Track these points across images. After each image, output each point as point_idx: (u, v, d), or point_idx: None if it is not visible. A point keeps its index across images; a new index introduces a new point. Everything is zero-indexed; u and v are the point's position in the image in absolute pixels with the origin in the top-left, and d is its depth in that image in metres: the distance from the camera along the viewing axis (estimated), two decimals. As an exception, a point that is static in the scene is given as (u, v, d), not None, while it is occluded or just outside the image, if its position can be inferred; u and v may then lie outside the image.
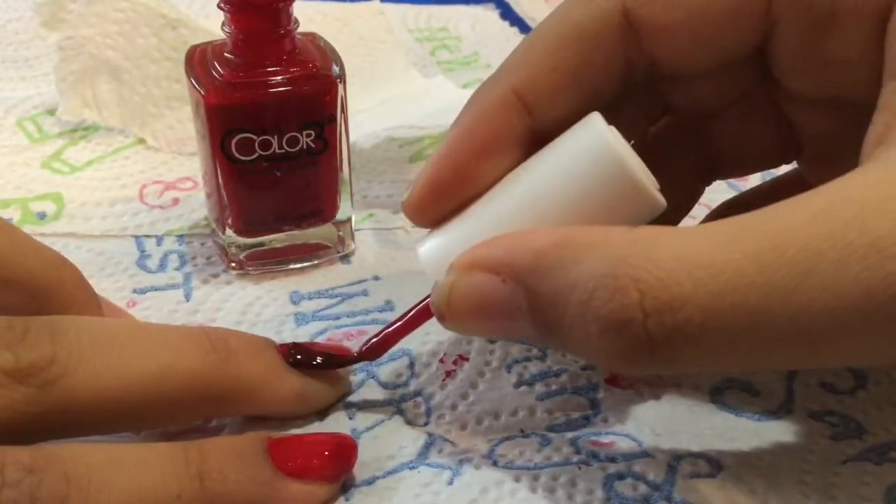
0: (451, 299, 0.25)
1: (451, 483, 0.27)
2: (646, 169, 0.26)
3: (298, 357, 0.29)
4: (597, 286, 0.21)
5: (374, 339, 0.29)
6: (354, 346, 0.32)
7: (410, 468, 0.28)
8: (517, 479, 0.27)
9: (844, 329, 0.21)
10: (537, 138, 0.27)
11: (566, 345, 0.23)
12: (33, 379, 0.23)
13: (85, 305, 0.29)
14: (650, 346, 0.21)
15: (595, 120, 0.26)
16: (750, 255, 0.21)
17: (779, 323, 0.21)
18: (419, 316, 0.29)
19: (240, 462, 0.24)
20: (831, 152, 0.30)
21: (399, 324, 0.29)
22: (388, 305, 0.34)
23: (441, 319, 0.26)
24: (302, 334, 0.33)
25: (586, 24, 0.27)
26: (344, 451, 0.26)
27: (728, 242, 0.21)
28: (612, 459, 0.28)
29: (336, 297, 0.35)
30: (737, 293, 0.21)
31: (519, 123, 0.27)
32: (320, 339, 0.33)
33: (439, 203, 0.28)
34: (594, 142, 0.25)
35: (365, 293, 0.35)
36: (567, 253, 0.23)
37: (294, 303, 0.35)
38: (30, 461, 0.22)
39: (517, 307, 0.23)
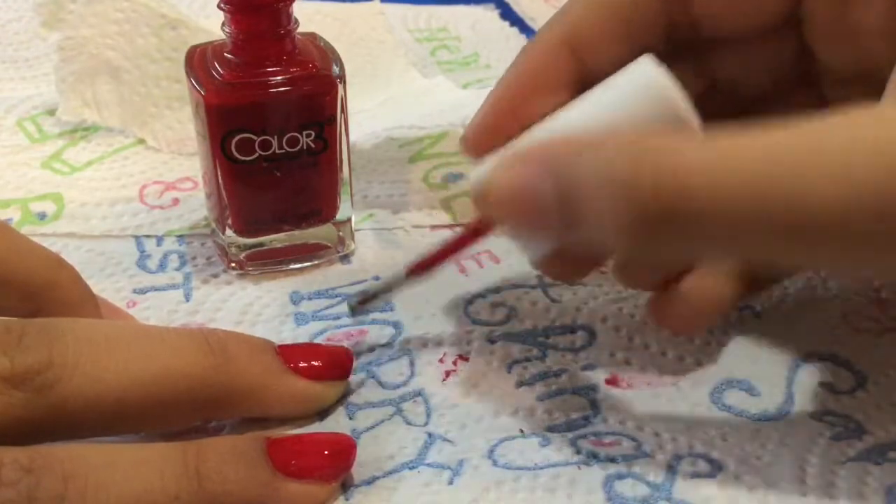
0: (488, 184, 0.26)
1: (451, 483, 0.27)
2: (692, 108, 0.26)
3: (353, 306, 0.31)
4: (615, 157, 0.23)
5: (422, 259, 0.30)
6: (355, 347, 0.32)
7: (410, 468, 0.28)
8: (517, 479, 0.27)
9: (844, 216, 0.22)
10: (586, 85, 0.28)
11: (584, 224, 0.24)
12: (30, 383, 0.23)
13: (83, 306, 0.29)
14: (659, 208, 0.22)
15: (647, 58, 0.26)
16: (757, 139, 0.22)
17: (779, 198, 0.22)
18: (466, 237, 0.29)
19: (239, 462, 0.24)
20: None
21: (445, 245, 0.30)
22: (388, 305, 0.34)
23: (478, 203, 0.27)
24: (302, 334, 0.33)
25: None
26: (343, 450, 0.26)
27: (738, 134, 0.23)
28: (612, 460, 0.28)
29: (336, 297, 0.35)
30: (743, 165, 0.22)
31: (570, 68, 0.29)
32: (320, 339, 0.33)
33: (492, 138, 0.29)
34: (646, 75, 0.26)
35: (365, 293, 0.35)
36: (594, 142, 0.24)
37: (294, 303, 0.35)
38: (27, 461, 0.22)
39: (546, 192, 0.24)
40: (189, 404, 0.26)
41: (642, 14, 0.29)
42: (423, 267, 0.30)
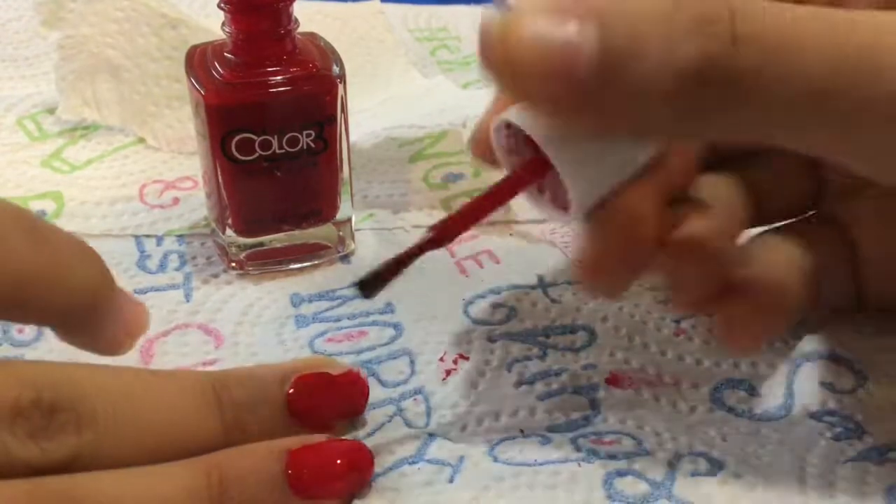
0: (507, 34, 0.22)
1: (451, 481, 0.27)
2: None
3: (373, 290, 0.26)
4: None
5: (442, 223, 0.26)
6: (355, 347, 0.32)
7: (410, 463, 0.28)
8: (517, 476, 0.27)
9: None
10: None
11: (636, 75, 0.22)
12: (56, 471, 0.23)
13: (109, 309, 0.27)
14: (734, 50, 0.21)
15: None
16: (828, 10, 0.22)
17: (853, 51, 0.22)
18: (491, 199, 0.26)
19: (260, 489, 0.25)
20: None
21: (468, 206, 0.26)
22: (389, 308, 0.34)
23: (487, 55, 0.23)
24: (303, 336, 0.33)
25: None
26: (361, 464, 0.26)
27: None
28: (613, 457, 0.28)
29: (336, 299, 0.35)
30: (815, 21, 0.22)
31: None
32: (320, 340, 0.33)
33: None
34: None
35: (365, 295, 0.35)
36: None
37: (294, 305, 0.35)
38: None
39: (585, 41, 0.22)
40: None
41: None
42: (447, 233, 0.26)
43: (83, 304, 0.26)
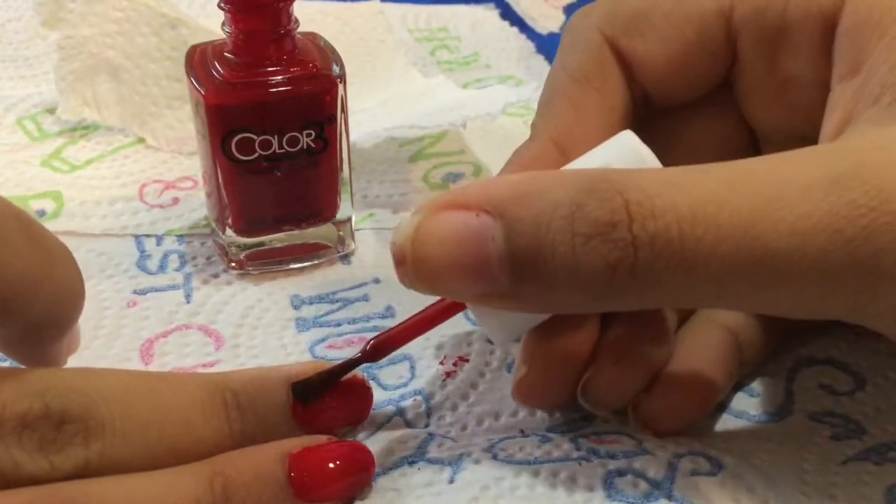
0: (416, 237, 0.24)
1: (451, 482, 0.27)
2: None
3: (307, 397, 0.27)
4: (583, 198, 0.22)
5: (377, 339, 0.28)
6: (354, 351, 0.32)
7: (410, 463, 0.28)
8: (517, 475, 0.27)
9: (809, 255, 0.22)
10: None
11: (544, 274, 0.23)
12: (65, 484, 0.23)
13: (71, 329, 0.28)
14: (634, 253, 0.22)
15: (625, 131, 0.27)
16: (722, 179, 0.23)
17: (748, 240, 0.22)
18: (428, 319, 0.28)
19: (262, 493, 0.25)
20: None
21: (405, 325, 0.28)
22: (389, 311, 0.34)
23: (400, 264, 0.24)
24: (303, 340, 0.33)
25: (584, 64, 0.29)
26: (362, 465, 0.26)
27: (699, 171, 0.23)
28: (613, 456, 0.28)
29: (337, 301, 0.35)
30: (710, 206, 0.22)
31: (560, 163, 0.28)
32: (321, 346, 0.33)
33: None
34: (622, 140, 0.26)
35: (365, 298, 0.35)
36: (546, 180, 0.23)
37: (295, 307, 0.35)
38: None
39: (490, 240, 0.23)
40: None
41: (615, 102, 0.30)
42: (381, 349, 0.28)
43: (68, 306, 0.26)
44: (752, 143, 0.31)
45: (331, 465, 0.26)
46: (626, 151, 0.26)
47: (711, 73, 0.30)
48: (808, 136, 0.27)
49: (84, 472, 0.24)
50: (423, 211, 0.24)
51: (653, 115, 0.31)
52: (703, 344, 0.29)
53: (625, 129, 0.27)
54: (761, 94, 0.30)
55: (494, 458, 0.28)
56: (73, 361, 0.30)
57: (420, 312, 0.28)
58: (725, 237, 0.22)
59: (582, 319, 0.27)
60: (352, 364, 0.28)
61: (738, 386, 0.31)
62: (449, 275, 0.24)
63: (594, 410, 0.28)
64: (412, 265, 0.24)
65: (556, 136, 0.29)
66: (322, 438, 0.26)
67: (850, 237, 0.22)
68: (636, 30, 0.29)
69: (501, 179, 0.24)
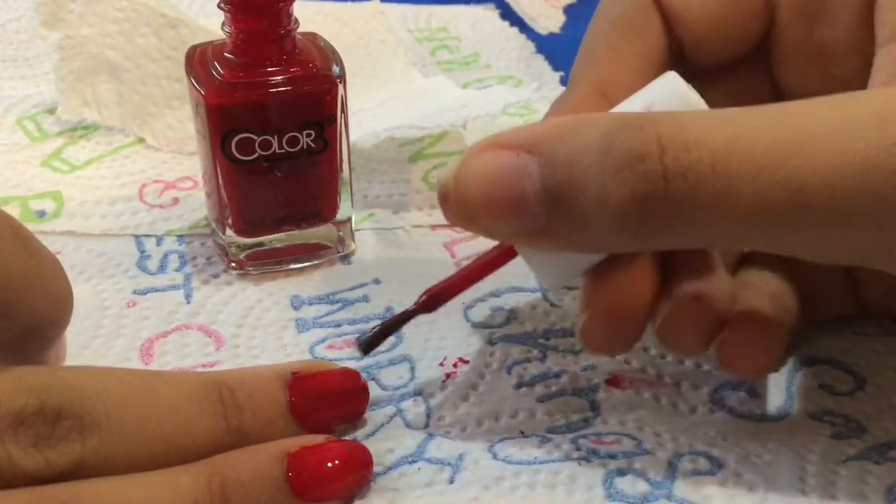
0: (459, 174, 0.24)
1: (451, 482, 0.27)
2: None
3: (367, 346, 0.29)
4: (617, 133, 0.22)
5: (433, 290, 0.28)
6: (356, 353, 0.32)
7: (410, 462, 0.28)
8: (517, 475, 0.27)
9: (844, 191, 0.22)
10: None
11: (576, 208, 0.23)
12: (59, 479, 0.23)
13: (60, 338, 0.28)
14: (665, 185, 0.22)
15: (669, 72, 0.27)
16: (760, 117, 0.22)
17: (782, 175, 0.22)
18: (480, 268, 0.28)
19: (260, 492, 0.25)
20: None
21: (458, 276, 0.28)
22: (389, 312, 0.34)
23: (444, 201, 0.25)
24: (303, 341, 0.33)
25: (626, 15, 0.30)
26: (360, 465, 0.26)
27: (737, 110, 0.23)
28: (613, 456, 0.28)
29: (337, 302, 0.35)
30: (745, 140, 0.22)
31: (600, 110, 0.28)
32: (321, 347, 0.33)
33: None
34: (667, 81, 0.26)
35: (365, 299, 0.35)
36: (584, 120, 0.24)
37: (295, 308, 0.35)
38: None
39: (529, 178, 0.23)
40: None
41: (656, 52, 0.30)
42: (438, 299, 0.28)
43: (56, 314, 0.26)
44: None
45: (329, 465, 0.26)
46: (671, 91, 0.26)
47: (748, 36, 0.30)
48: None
49: (80, 469, 0.23)
50: (467, 152, 0.25)
51: (687, 75, 0.31)
52: (756, 303, 0.29)
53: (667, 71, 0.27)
54: (797, 61, 0.30)
55: (494, 457, 0.28)
56: (72, 361, 0.30)
57: (471, 263, 0.28)
58: (759, 171, 0.22)
59: (638, 263, 0.26)
60: (408, 315, 0.28)
61: (739, 386, 0.31)
62: (488, 210, 0.24)
63: (673, 353, 0.28)
64: (454, 201, 0.25)
65: (597, 82, 0.29)
66: (320, 438, 0.26)
67: (888, 172, 0.21)
68: None
69: (543, 122, 0.25)
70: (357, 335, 0.29)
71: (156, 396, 0.25)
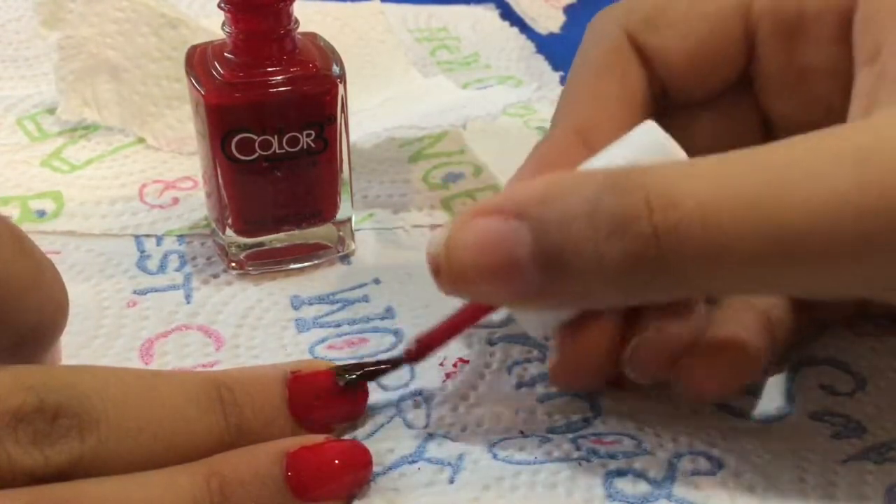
0: (449, 244, 0.25)
1: (452, 482, 0.27)
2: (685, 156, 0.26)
3: (349, 381, 0.28)
4: (604, 195, 0.23)
5: (420, 339, 0.28)
6: (356, 354, 0.32)
7: (410, 462, 0.28)
8: (517, 475, 0.27)
9: (831, 232, 0.22)
10: None
11: (572, 271, 0.23)
12: (58, 478, 0.23)
13: (56, 343, 0.28)
14: (656, 244, 0.22)
15: (647, 121, 0.27)
16: (741, 164, 0.23)
17: (770, 221, 0.22)
18: (468, 316, 0.28)
19: (259, 491, 0.25)
20: None
21: (446, 324, 0.28)
22: (389, 313, 0.34)
23: (436, 274, 0.25)
24: (303, 341, 0.33)
25: (604, 58, 0.30)
26: (360, 463, 0.26)
27: (718, 159, 0.23)
28: (613, 456, 0.28)
29: (337, 302, 0.35)
30: (730, 189, 0.22)
31: (582, 153, 0.28)
32: (321, 347, 0.33)
33: None
34: (645, 132, 0.26)
35: (365, 299, 0.35)
36: (570, 180, 0.24)
37: (295, 308, 0.35)
38: None
39: (522, 244, 0.23)
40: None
41: (635, 94, 0.30)
42: (425, 349, 0.29)
43: (52, 319, 0.26)
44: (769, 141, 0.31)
45: (329, 464, 0.26)
46: (650, 142, 0.26)
47: (730, 68, 0.30)
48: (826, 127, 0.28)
49: (78, 467, 0.23)
50: (454, 221, 0.25)
51: (670, 113, 0.31)
52: (735, 319, 0.29)
53: (645, 120, 0.27)
54: (780, 86, 0.30)
55: (494, 458, 0.28)
56: (72, 361, 0.30)
57: (460, 310, 0.28)
58: (746, 222, 0.22)
59: (604, 313, 0.27)
60: (395, 364, 0.29)
61: (739, 386, 0.31)
62: (483, 279, 0.25)
63: (639, 380, 0.28)
64: (447, 274, 0.25)
65: (577, 127, 0.29)
66: (320, 438, 0.26)
67: (874, 211, 0.22)
68: (655, 25, 0.30)
69: (527, 184, 0.25)
70: (342, 373, 0.28)
71: (155, 395, 0.25)
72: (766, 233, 0.22)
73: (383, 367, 0.29)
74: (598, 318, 0.27)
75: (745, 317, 0.29)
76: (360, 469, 0.26)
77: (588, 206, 0.23)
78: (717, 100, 0.31)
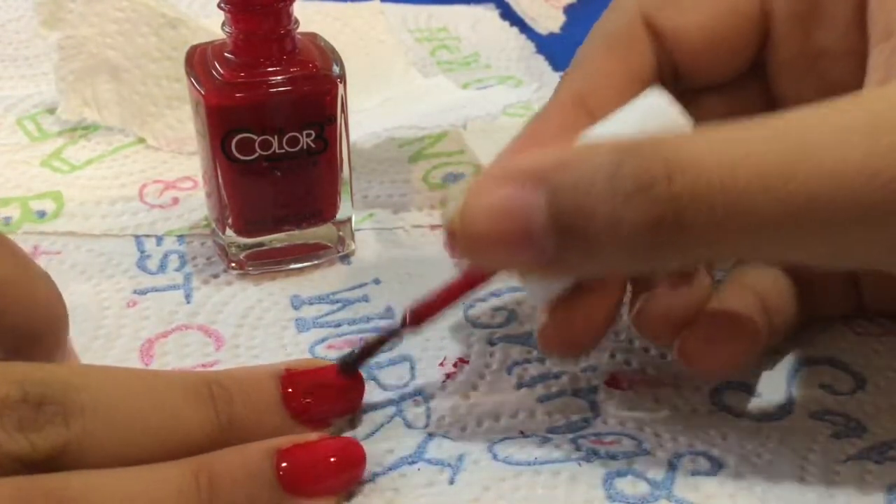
0: (464, 210, 0.25)
1: (452, 483, 0.27)
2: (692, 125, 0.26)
3: (350, 367, 0.29)
4: (623, 159, 0.23)
5: (416, 308, 0.28)
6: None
7: (410, 463, 0.28)
8: (517, 476, 0.27)
9: (848, 199, 0.22)
10: None
11: (588, 235, 0.23)
12: (45, 466, 0.23)
13: (59, 351, 0.28)
14: (675, 208, 0.22)
15: (652, 87, 0.27)
16: (761, 130, 0.23)
17: (787, 190, 0.22)
18: (464, 284, 0.28)
19: (250, 485, 0.25)
20: None
21: (443, 291, 0.28)
22: (389, 312, 0.34)
23: (451, 239, 0.25)
24: (303, 341, 0.33)
25: (615, 31, 0.30)
26: (353, 460, 0.26)
27: (739, 126, 0.23)
28: (613, 457, 0.28)
29: (337, 302, 0.35)
30: (751, 156, 0.22)
31: (582, 122, 0.28)
32: (321, 347, 0.33)
33: None
34: (650, 99, 0.26)
35: (365, 299, 0.35)
36: (587, 148, 0.24)
37: (295, 307, 0.35)
38: (43, 502, 0.22)
39: (538, 210, 0.23)
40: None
41: (641, 71, 0.30)
42: (421, 316, 0.28)
43: (48, 321, 0.26)
44: None
45: (320, 460, 0.26)
46: (658, 108, 0.26)
47: (744, 51, 0.30)
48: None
49: (66, 453, 0.24)
50: (470, 188, 0.25)
51: (682, 97, 0.31)
52: (736, 298, 0.29)
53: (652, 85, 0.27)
54: (794, 69, 0.30)
55: (494, 458, 0.28)
56: (73, 362, 0.30)
57: (456, 278, 0.28)
58: (766, 188, 0.22)
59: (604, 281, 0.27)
60: (392, 335, 0.29)
61: (739, 386, 0.31)
62: (497, 245, 0.24)
63: (645, 339, 0.29)
64: (462, 240, 0.25)
65: (579, 92, 0.29)
66: (313, 436, 0.26)
67: (888, 179, 0.22)
68: (672, 4, 0.30)
69: (543, 151, 0.25)
70: (341, 357, 0.29)
71: (144, 388, 0.25)
72: (786, 200, 0.22)
73: (381, 339, 0.29)
74: (595, 284, 0.27)
75: (746, 297, 0.29)
76: (353, 466, 0.26)
77: (607, 170, 0.23)
78: (727, 85, 0.31)
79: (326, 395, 0.28)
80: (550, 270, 0.25)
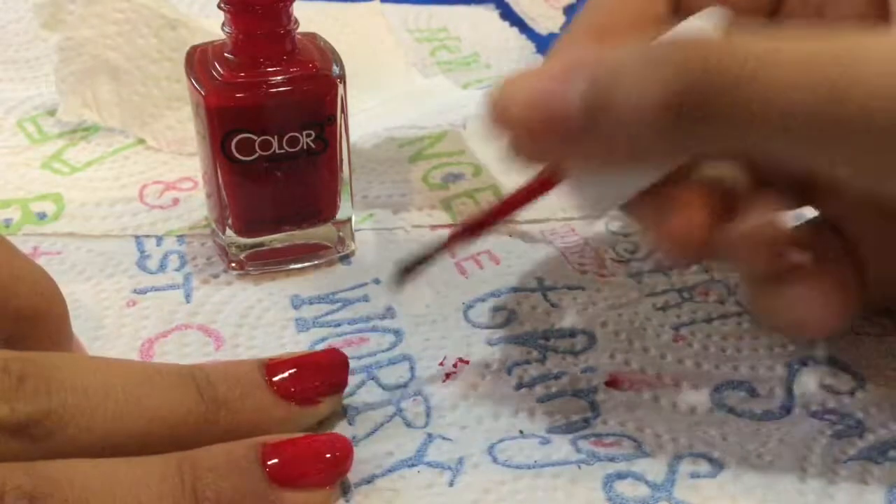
0: (505, 83, 0.26)
1: (451, 485, 0.27)
2: None
3: (404, 273, 0.29)
4: (659, 48, 0.24)
5: (479, 216, 0.29)
6: (355, 353, 0.32)
7: (410, 466, 0.28)
8: (517, 479, 0.27)
9: (889, 110, 0.22)
10: None
11: (615, 105, 0.24)
12: (27, 433, 0.23)
13: (60, 343, 0.28)
14: (706, 79, 0.22)
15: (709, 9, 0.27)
16: (800, 34, 0.23)
17: (825, 85, 0.22)
18: (527, 194, 0.28)
19: (234, 476, 0.24)
20: None
21: (499, 203, 0.29)
22: (389, 312, 0.34)
23: (489, 114, 0.26)
24: (303, 340, 0.33)
25: None
26: (340, 454, 0.26)
27: (782, 34, 0.23)
28: (612, 459, 0.28)
29: (337, 302, 0.35)
30: (789, 50, 0.22)
31: None
32: (321, 347, 0.33)
33: None
34: (702, 20, 0.26)
35: (366, 298, 0.35)
36: (626, 45, 0.25)
37: (295, 307, 0.35)
38: (31, 488, 0.22)
39: (572, 84, 0.24)
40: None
41: (660, 10, 0.30)
42: (472, 230, 0.29)
43: (48, 313, 0.27)
44: None
45: (306, 452, 0.26)
46: (700, 25, 0.26)
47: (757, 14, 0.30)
48: None
49: (47, 419, 0.24)
50: (514, 77, 0.26)
51: None
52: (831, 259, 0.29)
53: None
54: (809, 10, 0.30)
55: (494, 460, 0.28)
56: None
57: (509, 194, 0.29)
58: (802, 78, 0.22)
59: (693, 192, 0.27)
60: (442, 248, 0.29)
61: (739, 386, 0.31)
62: (530, 116, 0.25)
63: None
64: (498, 110, 0.26)
65: (595, 25, 0.30)
66: (299, 435, 0.26)
67: None
68: None
69: (588, 52, 0.26)
70: (397, 261, 0.29)
71: (127, 372, 0.26)
72: (822, 95, 0.22)
73: (438, 247, 0.29)
74: (684, 198, 0.27)
75: (844, 265, 0.29)
76: (340, 459, 0.26)
77: (643, 52, 0.24)
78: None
79: (310, 372, 0.28)
80: (578, 148, 0.25)
